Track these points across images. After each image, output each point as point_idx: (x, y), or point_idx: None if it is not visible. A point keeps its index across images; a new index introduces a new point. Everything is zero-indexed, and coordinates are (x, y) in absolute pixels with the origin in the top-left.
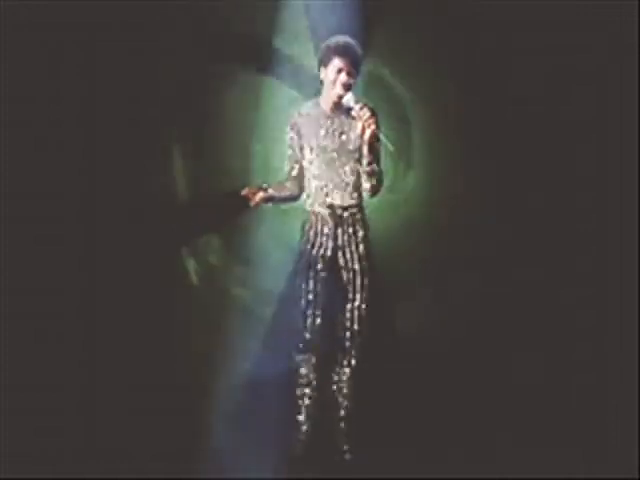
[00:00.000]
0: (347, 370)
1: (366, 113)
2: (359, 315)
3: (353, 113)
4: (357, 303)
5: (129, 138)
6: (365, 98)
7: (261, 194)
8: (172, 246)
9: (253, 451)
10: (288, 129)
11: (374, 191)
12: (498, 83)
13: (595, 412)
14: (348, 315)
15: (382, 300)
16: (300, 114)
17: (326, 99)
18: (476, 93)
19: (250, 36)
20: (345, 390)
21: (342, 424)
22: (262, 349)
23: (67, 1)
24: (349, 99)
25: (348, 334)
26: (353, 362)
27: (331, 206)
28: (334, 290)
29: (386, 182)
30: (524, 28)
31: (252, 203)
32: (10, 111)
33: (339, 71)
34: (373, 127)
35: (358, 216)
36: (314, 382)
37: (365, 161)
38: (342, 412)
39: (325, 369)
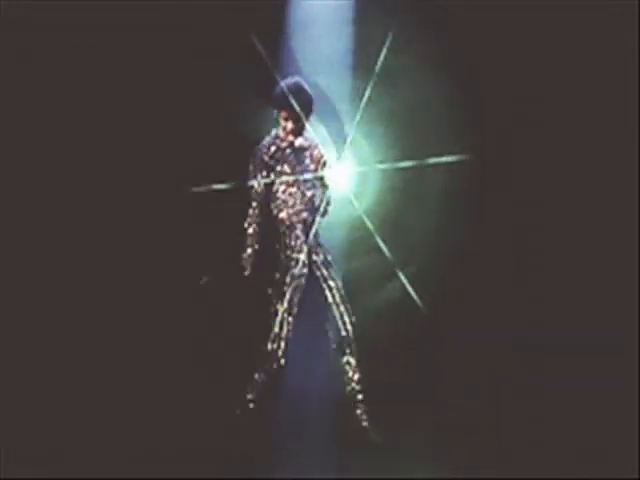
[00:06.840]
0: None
1: (320, 153)
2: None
3: (307, 153)
4: (341, 307)
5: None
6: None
7: None
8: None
9: None
10: (251, 160)
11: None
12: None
13: (595, 412)
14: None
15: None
16: (263, 145)
17: (284, 134)
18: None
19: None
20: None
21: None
22: None
23: None
24: (302, 141)
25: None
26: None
27: (303, 221)
28: (312, 295)
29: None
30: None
31: None
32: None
33: (285, 119)
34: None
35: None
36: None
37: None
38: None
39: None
